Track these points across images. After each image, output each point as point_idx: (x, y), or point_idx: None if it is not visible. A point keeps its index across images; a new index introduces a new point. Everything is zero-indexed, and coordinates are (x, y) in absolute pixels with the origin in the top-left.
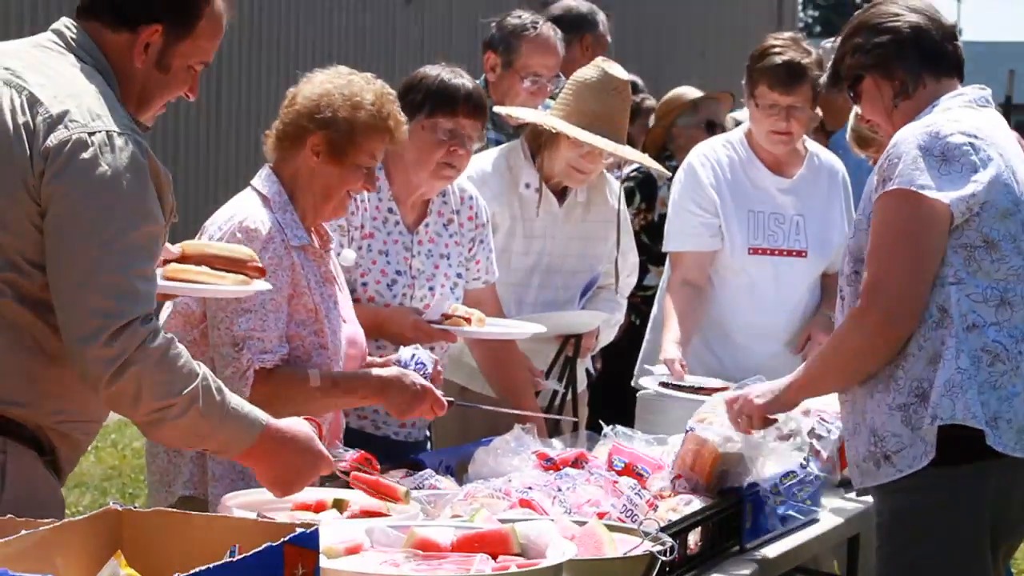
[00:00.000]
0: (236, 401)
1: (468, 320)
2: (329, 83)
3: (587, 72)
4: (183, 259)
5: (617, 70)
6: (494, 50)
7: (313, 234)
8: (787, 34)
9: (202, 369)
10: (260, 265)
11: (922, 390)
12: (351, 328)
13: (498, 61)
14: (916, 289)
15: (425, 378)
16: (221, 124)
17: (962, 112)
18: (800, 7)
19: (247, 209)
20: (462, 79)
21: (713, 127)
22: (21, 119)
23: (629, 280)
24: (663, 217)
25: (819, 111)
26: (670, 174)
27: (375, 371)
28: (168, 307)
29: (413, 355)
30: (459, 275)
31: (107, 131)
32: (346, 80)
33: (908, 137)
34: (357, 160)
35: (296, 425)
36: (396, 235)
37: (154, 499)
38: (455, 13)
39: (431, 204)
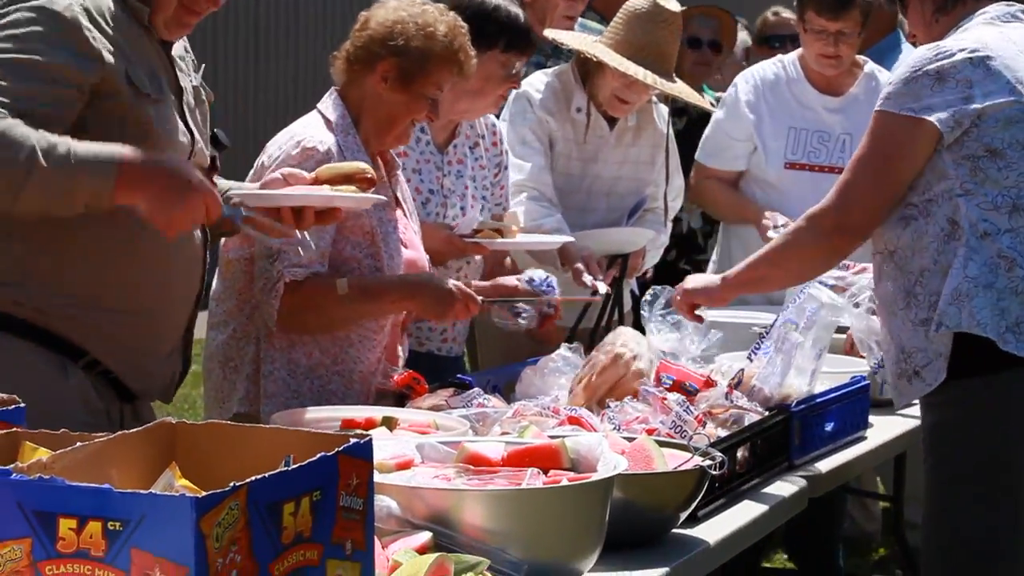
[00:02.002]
0: (86, 147)
1: (500, 233)
2: (403, 10)
3: (638, 1)
4: (315, 183)
5: (669, 1)
6: None
7: (377, 159)
8: None
9: (39, 132)
10: (370, 176)
11: (938, 303)
12: (412, 253)
13: None
14: (874, 204)
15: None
16: (260, 52)
17: (978, 29)
18: None
19: (307, 130)
20: (522, 12)
21: (698, 44)
22: None
23: (675, 203)
24: None
25: None
26: (712, 108)
27: (405, 275)
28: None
29: (546, 277)
30: (484, 197)
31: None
32: (420, 9)
33: (910, 57)
34: (424, 89)
35: (164, 156)
36: (428, 155)
37: (209, 416)
38: None
39: (459, 126)
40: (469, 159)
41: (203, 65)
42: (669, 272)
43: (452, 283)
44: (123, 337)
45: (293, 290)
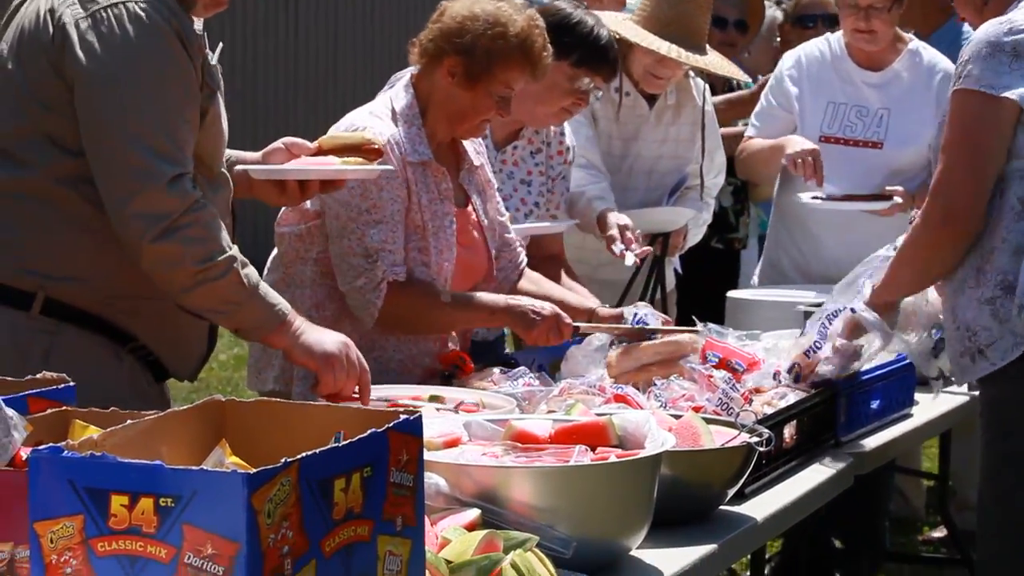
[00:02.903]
0: (263, 282)
1: None
2: (478, 6)
3: None
4: (318, 153)
5: None
6: None
7: (447, 149)
8: None
9: (232, 246)
10: (377, 147)
11: (1008, 283)
12: (468, 255)
13: None
14: (975, 188)
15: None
16: (299, 34)
17: None
18: None
19: (369, 119)
20: (609, 35)
21: (724, 24)
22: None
23: (716, 180)
24: None
25: None
26: (748, 79)
27: (499, 296)
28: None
29: (635, 314)
30: (536, 204)
31: (113, 3)
32: (495, 6)
33: (982, 34)
34: (491, 88)
35: (318, 337)
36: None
37: (249, 384)
38: None
39: (524, 129)
40: (527, 164)
41: (220, 44)
42: (701, 250)
43: (548, 310)
44: (167, 324)
45: (396, 291)
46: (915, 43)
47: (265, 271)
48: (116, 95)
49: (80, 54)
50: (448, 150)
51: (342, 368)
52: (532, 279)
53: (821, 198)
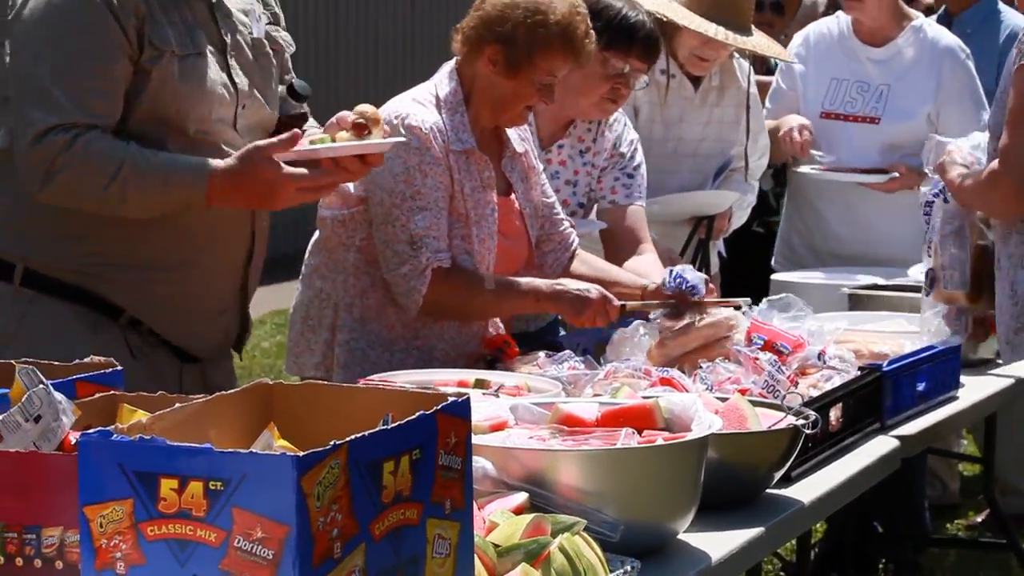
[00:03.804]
0: (173, 160)
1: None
2: None
3: None
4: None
5: None
6: None
7: (489, 136)
8: None
9: (128, 145)
10: (360, 121)
11: None
12: (510, 243)
13: None
14: None
15: (693, 292)
16: (340, 22)
17: None
18: None
19: (412, 106)
20: (641, 16)
21: (760, 6)
22: None
23: (760, 162)
24: None
25: None
26: (793, 60)
27: (544, 281)
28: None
29: (672, 271)
30: (581, 204)
31: None
32: None
33: None
34: (533, 76)
35: (246, 161)
36: None
37: (288, 367)
38: None
39: (573, 126)
40: (575, 163)
41: (278, 15)
42: (741, 234)
43: (594, 292)
44: (162, 295)
45: (440, 278)
46: (920, 20)
47: (307, 254)
48: (19, 46)
49: (9, 13)
50: (491, 137)
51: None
52: (584, 259)
53: (818, 169)
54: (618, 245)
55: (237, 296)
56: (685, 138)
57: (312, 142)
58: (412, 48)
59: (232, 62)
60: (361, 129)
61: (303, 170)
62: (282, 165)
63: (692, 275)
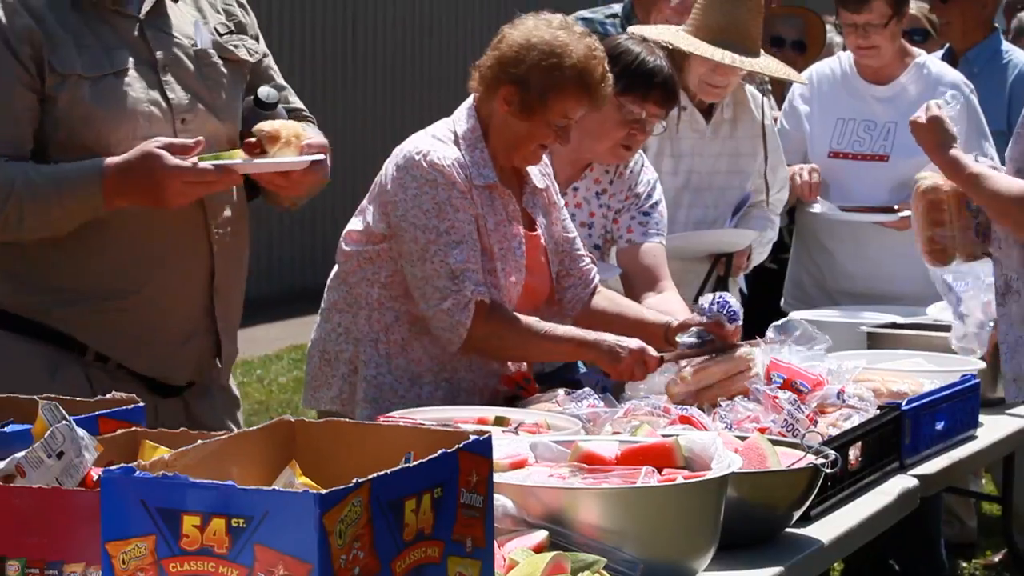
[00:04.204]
0: (67, 167)
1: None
2: (536, 34)
3: None
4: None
5: None
6: None
7: (510, 172)
8: None
9: (23, 165)
10: (251, 140)
11: None
12: (531, 278)
13: None
14: None
15: (732, 318)
16: (357, 55)
17: None
18: None
19: (433, 143)
20: (659, 62)
21: (781, 43)
22: None
23: (780, 195)
24: None
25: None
26: (805, 80)
27: (587, 332)
28: (356, 222)
29: (716, 298)
30: (596, 246)
31: None
32: (553, 33)
33: None
34: (547, 118)
35: (135, 149)
36: None
37: (304, 400)
38: None
39: (590, 168)
40: (590, 205)
41: (244, 24)
42: (754, 271)
43: (630, 346)
44: (120, 324)
45: (484, 314)
46: (922, 57)
47: (326, 289)
48: None
49: None
50: (512, 173)
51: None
52: (607, 296)
53: (829, 209)
54: (636, 283)
55: (205, 319)
56: (697, 171)
57: (211, 157)
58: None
59: (167, 77)
60: (253, 148)
61: (188, 163)
62: (166, 158)
63: (734, 301)
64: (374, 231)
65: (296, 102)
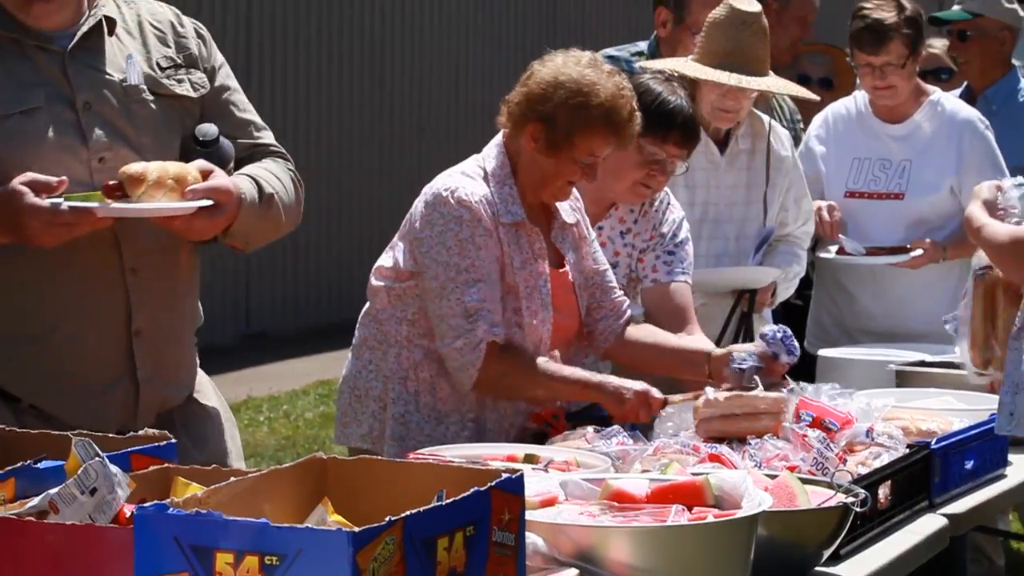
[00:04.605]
0: None
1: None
2: (564, 72)
3: (716, 11)
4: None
5: (744, 3)
6: (665, 6)
7: (539, 207)
8: None
9: None
10: (112, 183)
11: None
12: (559, 316)
13: (669, 16)
14: None
15: (791, 352)
16: (385, 90)
17: None
18: None
19: (462, 180)
20: (680, 101)
21: (807, 81)
22: None
23: (806, 228)
24: None
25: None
26: (816, 97)
27: (593, 374)
28: (386, 258)
29: (777, 329)
30: (621, 286)
31: None
32: (580, 72)
33: None
34: (573, 155)
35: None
36: None
37: (337, 436)
38: None
39: (614, 207)
40: (615, 244)
41: (195, 57)
42: (780, 306)
43: (635, 389)
44: (38, 370)
45: (495, 355)
46: (937, 94)
47: (357, 325)
48: None
49: None
50: (540, 208)
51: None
52: (642, 327)
53: (845, 253)
54: (662, 325)
55: (126, 364)
56: (713, 202)
57: (80, 197)
58: (454, 119)
59: (87, 115)
60: (112, 191)
61: (46, 203)
62: (27, 196)
63: (771, 330)
64: (402, 268)
65: (264, 138)
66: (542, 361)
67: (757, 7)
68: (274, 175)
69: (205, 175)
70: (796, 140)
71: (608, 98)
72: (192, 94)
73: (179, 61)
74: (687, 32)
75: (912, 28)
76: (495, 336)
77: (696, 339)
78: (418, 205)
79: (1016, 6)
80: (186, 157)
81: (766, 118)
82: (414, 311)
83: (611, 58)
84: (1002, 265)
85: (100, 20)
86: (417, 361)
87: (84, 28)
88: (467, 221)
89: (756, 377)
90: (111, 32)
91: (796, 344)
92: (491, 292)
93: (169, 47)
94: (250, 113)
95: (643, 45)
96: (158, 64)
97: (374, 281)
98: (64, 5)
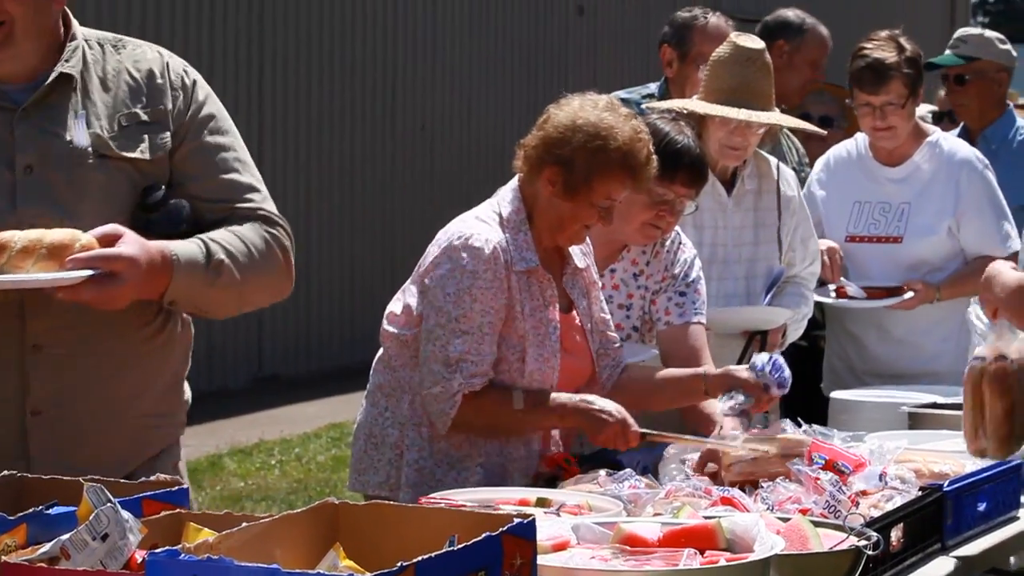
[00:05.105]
0: None
1: None
2: (582, 115)
3: (719, 49)
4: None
5: (747, 40)
6: (669, 44)
7: (552, 252)
8: (884, 32)
9: None
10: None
11: None
12: (571, 360)
13: (674, 55)
14: None
15: (781, 384)
16: (396, 134)
17: None
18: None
19: (477, 225)
20: (688, 141)
21: (808, 119)
22: None
23: (812, 268)
24: None
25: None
26: (823, 132)
27: (575, 396)
28: (396, 304)
29: (770, 359)
30: (635, 328)
31: None
32: (599, 115)
33: None
34: (591, 199)
35: None
36: None
37: (351, 483)
38: (626, 22)
39: (627, 249)
40: (629, 287)
41: (167, 112)
42: (788, 348)
43: (616, 415)
44: None
45: (470, 400)
46: (936, 135)
47: (372, 371)
48: None
49: None
50: (553, 253)
51: None
52: (639, 369)
53: (847, 296)
54: (676, 367)
55: (19, 447)
56: (721, 243)
57: None
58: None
59: (25, 178)
60: None
61: None
62: None
63: (787, 369)
64: (414, 314)
65: (253, 200)
66: (517, 396)
67: (760, 44)
68: (239, 239)
69: (109, 241)
70: (802, 182)
71: (626, 141)
72: (146, 156)
73: (144, 118)
74: (692, 66)
75: (912, 68)
76: (472, 387)
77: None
78: (431, 249)
79: (1009, 47)
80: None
81: (772, 159)
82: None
83: (622, 100)
84: (1010, 313)
85: (66, 74)
86: None
87: (47, 83)
88: (470, 272)
89: (736, 432)
90: (79, 86)
91: (788, 375)
92: (477, 344)
93: (139, 102)
94: (239, 173)
95: (653, 87)
96: (119, 122)
97: (386, 327)
98: (17, 57)
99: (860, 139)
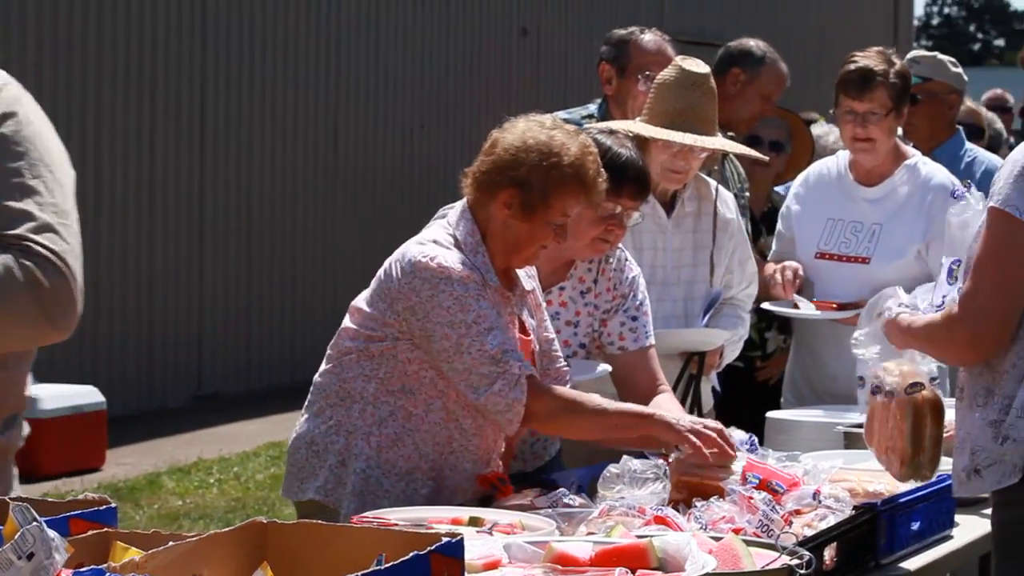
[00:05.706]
0: None
1: None
2: (530, 135)
3: (664, 72)
4: None
5: (693, 64)
6: (607, 61)
7: (503, 276)
8: (877, 48)
9: None
10: None
11: (1009, 408)
12: None
13: (612, 71)
14: (1001, 311)
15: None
16: (339, 155)
17: None
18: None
19: (438, 250)
20: (631, 154)
21: (757, 142)
22: None
23: (749, 291)
24: None
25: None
26: (766, 159)
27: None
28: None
29: (748, 438)
30: (582, 345)
31: None
32: (548, 135)
33: (1017, 153)
34: (548, 217)
35: None
36: None
37: (286, 493)
38: (570, 45)
39: (574, 267)
40: (576, 304)
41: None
42: (724, 369)
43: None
44: None
45: (537, 387)
46: (915, 157)
47: (313, 385)
48: None
49: None
50: (503, 277)
51: None
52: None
53: (786, 306)
54: (634, 392)
55: None
56: (660, 265)
57: None
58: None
59: None
60: None
61: None
62: None
63: (741, 436)
64: (373, 333)
65: (22, 229)
66: (585, 395)
67: (706, 68)
68: None
69: None
70: (742, 208)
71: (577, 156)
72: None
73: None
74: (631, 80)
75: (899, 80)
76: (530, 370)
77: (663, 402)
78: (392, 271)
79: (961, 70)
80: None
81: (712, 181)
82: (387, 370)
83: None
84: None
85: None
86: (383, 417)
87: None
88: (456, 279)
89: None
90: None
91: (756, 445)
92: (506, 334)
93: None
94: (15, 200)
95: (593, 107)
96: None
97: (345, 342)
98: None
99: (842, 156)
